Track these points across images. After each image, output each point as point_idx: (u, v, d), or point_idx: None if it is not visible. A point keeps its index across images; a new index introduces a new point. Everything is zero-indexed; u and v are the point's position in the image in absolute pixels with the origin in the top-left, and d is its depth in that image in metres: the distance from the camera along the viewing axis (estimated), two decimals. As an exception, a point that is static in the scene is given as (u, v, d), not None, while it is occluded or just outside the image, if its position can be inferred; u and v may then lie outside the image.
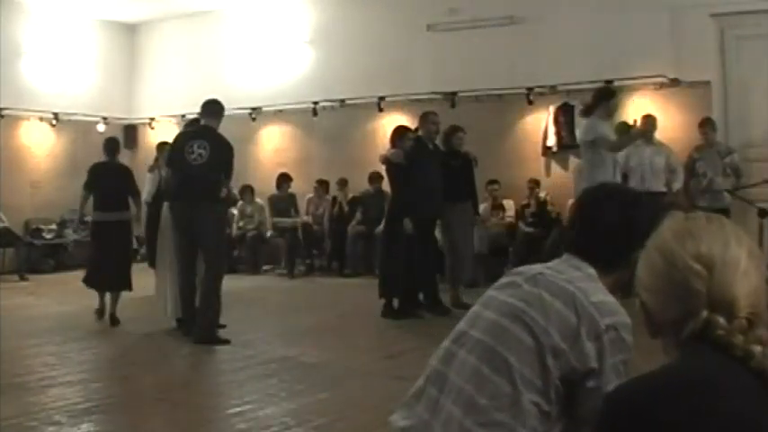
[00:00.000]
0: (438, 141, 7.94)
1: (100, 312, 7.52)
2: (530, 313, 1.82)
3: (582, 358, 1.77)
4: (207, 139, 6.62)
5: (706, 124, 8.37)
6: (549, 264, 1.97)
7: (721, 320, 1.24)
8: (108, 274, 7.36)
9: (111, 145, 7.77)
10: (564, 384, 1.78)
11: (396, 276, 7.43)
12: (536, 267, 1.95)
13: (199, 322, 6.49)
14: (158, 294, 7.21)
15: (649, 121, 8.44)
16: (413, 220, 7.32)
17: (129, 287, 7.51)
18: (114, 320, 7.30)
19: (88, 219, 8.03)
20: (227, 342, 6.42)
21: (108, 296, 7.46)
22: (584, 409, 1.78)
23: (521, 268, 2.00)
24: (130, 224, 7.75)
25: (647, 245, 1.36)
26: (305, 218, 11.33)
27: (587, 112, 7.28)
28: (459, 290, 7.88)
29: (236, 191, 9.48)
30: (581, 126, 7.36)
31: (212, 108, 6.84)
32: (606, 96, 7.19)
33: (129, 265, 7.64)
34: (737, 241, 1.30)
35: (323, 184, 11.35)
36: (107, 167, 7.66)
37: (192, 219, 6.54)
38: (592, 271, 1.92)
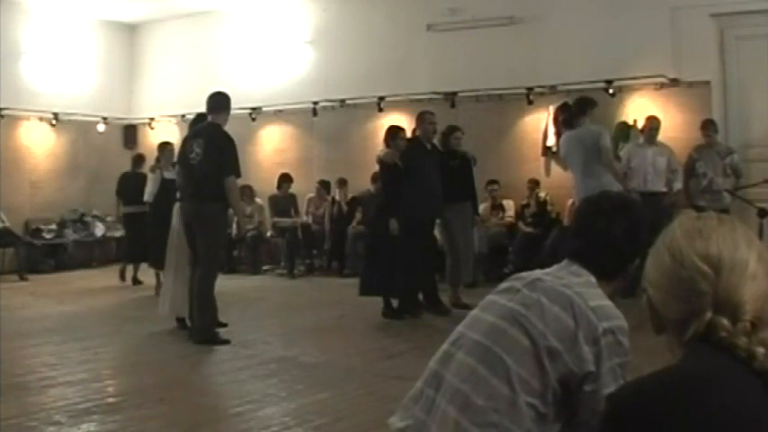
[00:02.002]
0: (436, 141, 7.94)
1: (136, 280, 9.95)
2: (528, 317, 1.83)
3: (579, 362, 1.77)
4: (203, 137, 6.58)
5: (708, 126, 8.35)
6: (549, 269, 1.98)
7: (725, 322, 1.23)
8: (141, 247, 9.41)
9: (137, 159, 10.50)
10: (561, 387, 1.79)
11: (381, 276, 7.37)
12: (535, 273, 1.97)
13: (198, 323, 6.49)
14: (162, 293, 7.22)
15: (652, 122, 8.45)
16: (399, 220, 7.28)
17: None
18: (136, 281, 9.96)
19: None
20: (227, 342, 6.42)
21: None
22: (582, 412, 1.79)
23: (521, 274, 2.01)
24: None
25: (657, 241, 1.36)
26: (305, 218, 11.32)
27: (570, 123, 7.40)
28: (458, 290, 7.88)
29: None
30: (584, 133, 7.33)
31: (214, 102, 6.74)
32: (591, 104, 7.39)
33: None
34: (748, 244, 1.29)
35: (324, 185, 11.33)
36: (132, 175, 10.20)
37: (191, 218, 6.54)
38: (592, 278, 1.93)
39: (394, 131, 7.68)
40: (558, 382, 1.78)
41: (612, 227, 1.99)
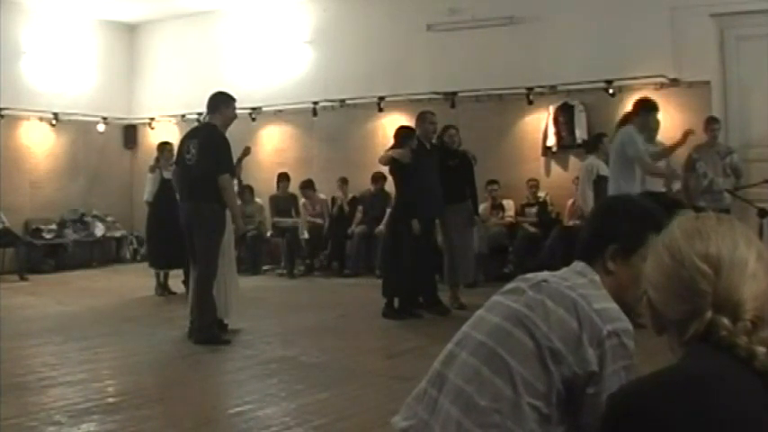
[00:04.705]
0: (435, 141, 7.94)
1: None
2: (532, 318, 1.84)
3: (583, 364, 1.77)
4: (198, 138, 6.59)
5: (712, 122, 8.33)
6: (556, 272, 1.99)
7: (726, 321, 1.24)
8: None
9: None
10: (566, 389, 1.79)
11: (398, 276, 7.43)
12: (542, 274, 1.97)
13: (197, 323, 6.49)
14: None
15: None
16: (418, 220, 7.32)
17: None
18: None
19: None
20: (227, 342, 6.42)
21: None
22: (586, 414, 1.79)
23: (527, 275, 2.01)
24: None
25: (656, 242, 1.36)
26: (313, 219, 11.23)
27: (624, 121, 7.17)
28: (458, 290, 7.88)
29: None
30: (618, 134, 7.04)
31: (212, 102, 6.74)
32: (648, 108, 6.98)
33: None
34: (747, 243, 1.29)
35: (309, 185, 11.17)
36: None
37: (189, 218, 6.54)
38: (596, 277, 1.93)
39: (405, 132, 7.68)
40: (563, 384, 1.78)
41: (620, 227, 1.99)
